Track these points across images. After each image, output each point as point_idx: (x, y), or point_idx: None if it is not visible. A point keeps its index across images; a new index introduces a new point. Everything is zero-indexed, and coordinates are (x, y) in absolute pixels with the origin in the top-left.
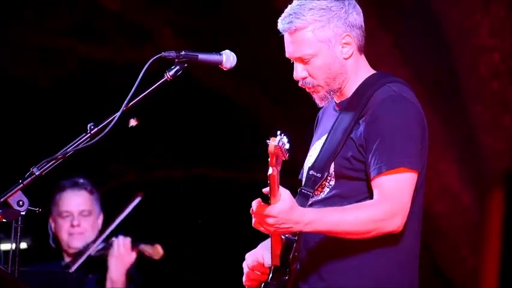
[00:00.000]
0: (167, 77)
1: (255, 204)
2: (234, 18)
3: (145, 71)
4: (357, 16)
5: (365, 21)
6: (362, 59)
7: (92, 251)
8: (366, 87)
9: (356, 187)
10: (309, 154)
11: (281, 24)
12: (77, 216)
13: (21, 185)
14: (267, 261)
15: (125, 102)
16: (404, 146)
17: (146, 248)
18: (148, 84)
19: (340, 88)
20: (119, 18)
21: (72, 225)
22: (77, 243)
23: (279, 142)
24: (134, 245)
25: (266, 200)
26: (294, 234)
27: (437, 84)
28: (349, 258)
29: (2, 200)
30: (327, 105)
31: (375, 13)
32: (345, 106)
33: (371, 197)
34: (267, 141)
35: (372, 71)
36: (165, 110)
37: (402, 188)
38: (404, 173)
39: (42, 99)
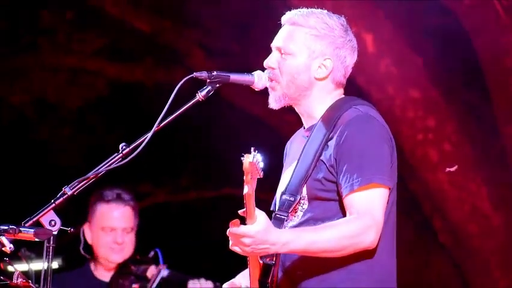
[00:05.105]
0: (199, 97)
1: (231, 224)
2: (264, 40)
3: (177, 91)
4: (348, 55)
5: (394, 43)
6: (336, 90)
7: (147, 279)
8: (333, 110)
9: (329, 208)
10: (280, 182)
11: (286, 15)
12: (121, 233)
13: (53, 204)
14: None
15: (157, 122)
16: (373, 163)
17: None
18: (177, 105)
19: (297, 99)
20: (149, 40)
21: (115, 242)
22: (117, 258)
23: (253, 159)
24: None
25: (243, 221)
26: (271, 258)
27: (468, 106)
28: (328, 278)
29: (34, 219)
30: (294, 136)
31: (404, 34)
32: (313, 130)
33: (344, 216)
34: (241, 158)
35: (341, 97)
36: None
37: (373, 204)
38: (375, 189)
39: (73, 120)
